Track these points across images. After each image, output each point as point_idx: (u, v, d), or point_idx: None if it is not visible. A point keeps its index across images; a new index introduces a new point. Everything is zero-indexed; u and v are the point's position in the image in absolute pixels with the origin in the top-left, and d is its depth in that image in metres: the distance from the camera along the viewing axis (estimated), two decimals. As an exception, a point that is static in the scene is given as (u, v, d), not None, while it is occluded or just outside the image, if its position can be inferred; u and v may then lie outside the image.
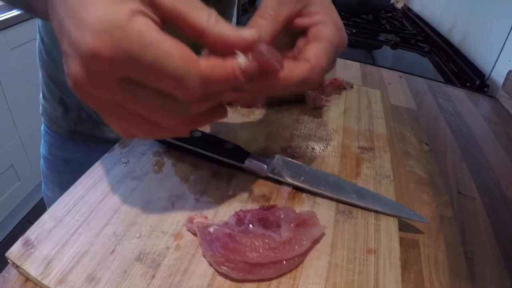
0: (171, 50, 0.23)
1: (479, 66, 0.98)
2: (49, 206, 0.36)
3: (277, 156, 0.42)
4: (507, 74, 0.85)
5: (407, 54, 1.17)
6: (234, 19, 1.52)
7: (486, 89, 0.90)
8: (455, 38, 1.17)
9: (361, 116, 0.59)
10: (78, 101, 0.61)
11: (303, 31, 0.36)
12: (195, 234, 0.34)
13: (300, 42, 0.36)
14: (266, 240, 0.31)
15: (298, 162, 0.43)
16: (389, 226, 0.38)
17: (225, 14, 0.69)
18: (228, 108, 0.55)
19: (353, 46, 1.17)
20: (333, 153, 0.48)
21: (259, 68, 0.27)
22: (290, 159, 0.43)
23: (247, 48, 0.27)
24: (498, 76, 0.90)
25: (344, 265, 0.33)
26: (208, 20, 0.25)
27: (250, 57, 0.27)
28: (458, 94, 0.84)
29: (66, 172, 0.38)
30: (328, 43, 0.34)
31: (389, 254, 0.35)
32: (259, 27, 0.32)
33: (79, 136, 0.64)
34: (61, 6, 0.23)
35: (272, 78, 0.30)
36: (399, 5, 1.81)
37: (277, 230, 0.32)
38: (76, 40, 0.22)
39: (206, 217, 0.35)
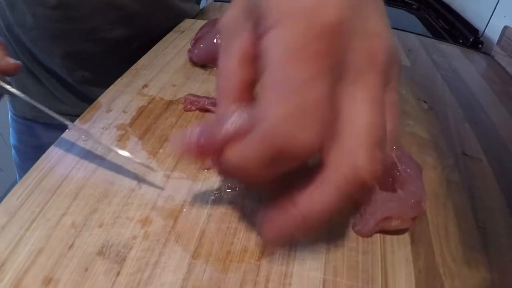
0: None
1: (472, 22, 0.92)
2: None
3: None
4: (502, 30, 0.80)
5: (393, 11, 1.11)
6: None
7: (481, 45, 0.85)
8: (445, -6, 1.11)
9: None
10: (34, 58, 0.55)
11: None
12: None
13: None
14: None
15: None
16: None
17: None
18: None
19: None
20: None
21: None
22: None
23: None
24: (493, 32, 0.85)
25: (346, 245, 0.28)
26: None
27: None
28: (452, 50, 0.79)
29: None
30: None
31: (396, 228, 0.30)
32: None
33: (43, 117, 0.58)
34: None
35: None
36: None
37: None
38: None
39: None
